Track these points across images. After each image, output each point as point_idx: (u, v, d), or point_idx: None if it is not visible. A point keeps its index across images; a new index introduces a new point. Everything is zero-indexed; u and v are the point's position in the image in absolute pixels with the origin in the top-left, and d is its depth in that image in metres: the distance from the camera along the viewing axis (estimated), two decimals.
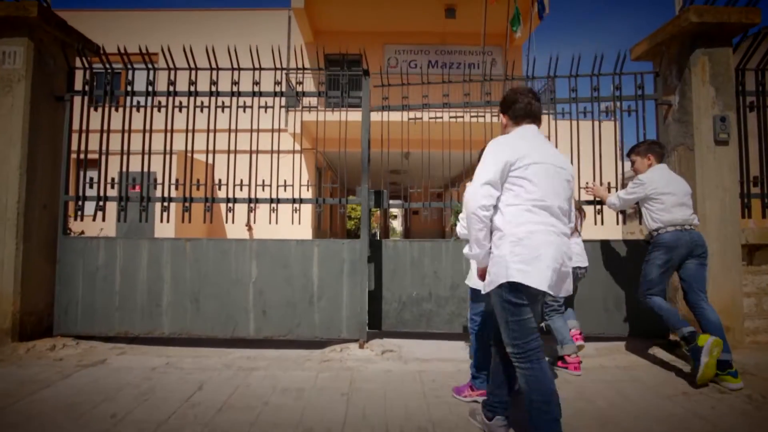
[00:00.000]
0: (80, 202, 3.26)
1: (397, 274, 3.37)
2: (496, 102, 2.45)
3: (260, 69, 3.25)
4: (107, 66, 3.32)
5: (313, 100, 12.37)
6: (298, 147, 12.25)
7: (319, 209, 3.26)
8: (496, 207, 1.69)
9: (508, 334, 1.69)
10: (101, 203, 3.27)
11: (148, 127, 3.27)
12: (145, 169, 3.24)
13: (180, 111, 3.24)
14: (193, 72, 3.28)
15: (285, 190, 3.22)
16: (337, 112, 10.77)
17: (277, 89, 3.25)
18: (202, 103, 3.27)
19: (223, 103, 3.25)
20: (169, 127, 3.24)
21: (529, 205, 1.66)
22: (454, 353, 3.05)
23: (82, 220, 3.22)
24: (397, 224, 45.69)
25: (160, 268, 3.20)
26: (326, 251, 3.19)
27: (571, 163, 3.43)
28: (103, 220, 3.20)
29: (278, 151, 3.24)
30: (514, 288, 1.62)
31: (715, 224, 3.03)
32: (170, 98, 3.28)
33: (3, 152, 3.01)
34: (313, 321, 3.18)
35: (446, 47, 13.46)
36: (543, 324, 2.79)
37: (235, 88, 3.27)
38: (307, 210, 12.57)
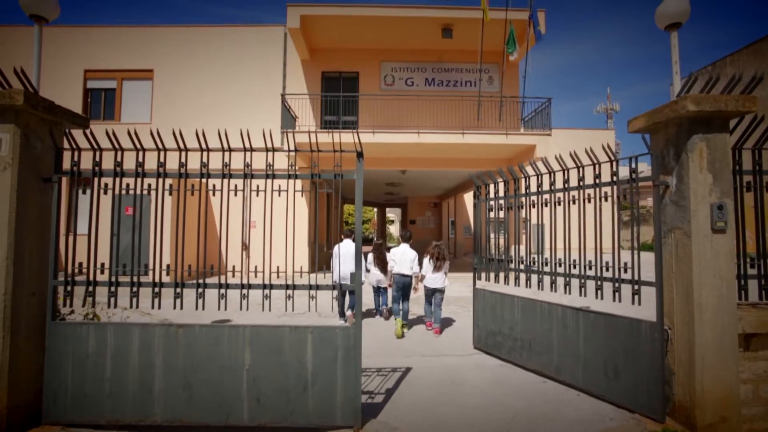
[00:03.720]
0: (69, 287, 3.20)
1: None
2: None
3: (251, 150, 3.19)
4: (95, 146, 3.24)
5: (310, 125, 12.29)
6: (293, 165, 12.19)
7: (313, 296, 3.21)
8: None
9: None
10: (90, 288, 3.21)
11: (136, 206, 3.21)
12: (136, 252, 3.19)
13: (170, 194, 3.18)
14: (183, 153, 3.22)
15: (278, 276, 3.17)
16: (334, 133, 10.78)
17: (269, 171, 3.20)
18: (192, 186, 3.22)
19: (214, 186, 3.20)
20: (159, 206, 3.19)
21: (343, 267, 5.91)
22: None
23: (71, 305, 3.16)
24: (394, 229, 45.70)
25: (151, 355, 3.15)
26: (320, 338, 3.15)
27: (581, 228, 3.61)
28: (93, 306, 3.15)
29: (271, 238, 3.19)
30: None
31: (712, 313, 3.01)
32: (160, 179, 3.22)
33: None
34: (307, 408, 3.14)
35: (443, 65, 13.40)
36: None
37: (226, 170, 3.21)
38: (301, 241, 12.48)
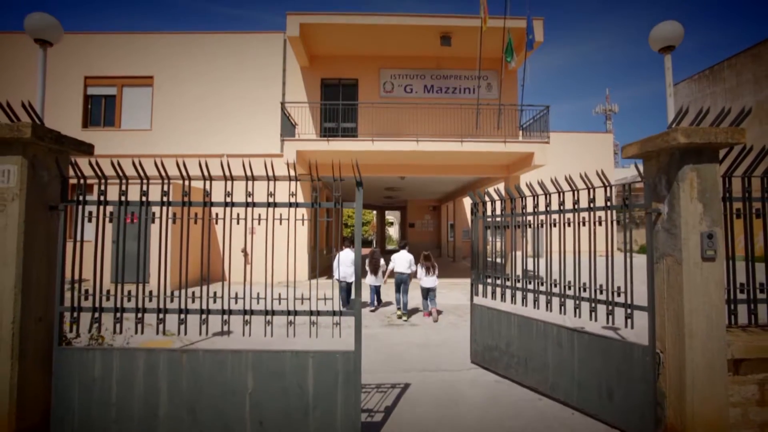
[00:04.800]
0: (75, 313, 3.28)
1: None
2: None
3: (252, 179, 3.27)
4: (100, 176, 3.32)
5: (309, 132, 12.37)
6: (293, 173, 12.27)
7: (314, 324, 3.29)
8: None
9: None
10: (96, 314, 3.29)
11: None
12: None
13: (174, 222, 3.26)
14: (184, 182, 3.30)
15: (279, 303, 3.25)
16: (333, 142, 10.90)
17: (270, 200, 3.28)
18: (196, 215, 3.30)
19: (217, 215, 3.28)
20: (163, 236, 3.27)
21: (342, 268, 7.88)
22: None
23: (77, 331, 3.24)
24: (393, 231, 45.78)
25: (156, 380, 3.23)
26: (321, 363, 3.23)
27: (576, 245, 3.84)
28: (99, 331, 3.22)
29: (273, 261, 3.27)
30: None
31: (702, 340, 3.09)
32: (164, 208, 3.30)
33: None
34: (308, 430, 3.21)
35: (442, 71, 13.48)
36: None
37: (228, 199, 3.29)
38: (302, 248, 12.54)
